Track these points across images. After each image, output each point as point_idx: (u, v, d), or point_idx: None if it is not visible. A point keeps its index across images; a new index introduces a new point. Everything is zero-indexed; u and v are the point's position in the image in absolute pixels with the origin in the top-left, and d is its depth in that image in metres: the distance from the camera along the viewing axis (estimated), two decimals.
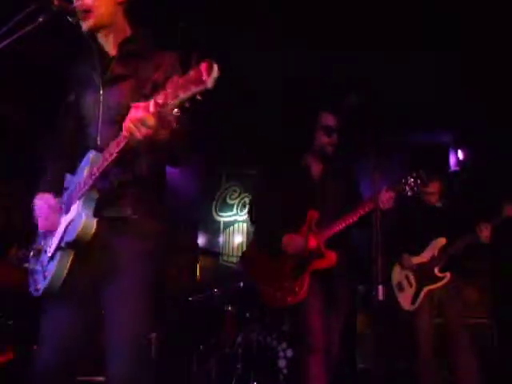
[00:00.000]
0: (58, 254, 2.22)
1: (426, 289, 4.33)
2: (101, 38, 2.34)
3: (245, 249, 7.64)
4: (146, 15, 2.50)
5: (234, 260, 7.51)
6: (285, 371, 4.96)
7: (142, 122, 1.87)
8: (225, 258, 7.80)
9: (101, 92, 2.28)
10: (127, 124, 1.92)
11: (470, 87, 5.67)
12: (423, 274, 4.35)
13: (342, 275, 3.54)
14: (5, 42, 2.04)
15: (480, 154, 5.81)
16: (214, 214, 8.16)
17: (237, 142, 6.93)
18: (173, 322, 6.13)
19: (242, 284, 5.70)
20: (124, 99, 2.22)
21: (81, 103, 2.36)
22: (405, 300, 4.39)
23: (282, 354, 5.03)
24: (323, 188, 3.61)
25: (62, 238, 2.21)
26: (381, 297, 2.73)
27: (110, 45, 2.34)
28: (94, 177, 2.10)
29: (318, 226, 3.49)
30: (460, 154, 6.48)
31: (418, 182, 3.35)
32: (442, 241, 4.34)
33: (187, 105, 1.74)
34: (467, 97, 5.79)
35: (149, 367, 2.21)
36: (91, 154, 2.20)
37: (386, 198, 3.32)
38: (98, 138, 2.27)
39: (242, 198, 8.15)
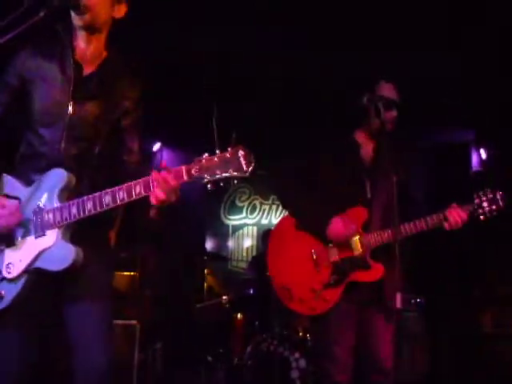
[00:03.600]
0: (24, 278, 2.20)
1: None
2: (81, 42, 2.34)
3: (254, 252, 7.73)
4: None
5: (244, 265, 7.49)
6: (298, 383, 4.75)
7: (176, 188, 2.03)
8: (234, 263, 7.84)
9: (70, 104, 2.29)
10: (161, 188, 2.02)
11: (492, 85, 5.56)
12: None
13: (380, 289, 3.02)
14: (6, 37, 2.01)
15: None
16: (222, 217, 8.20)
17: (244, 140, 6.97)
18: (179, 330, 6.14)
19: (252, 291, 5.64)
20: (93, 119, 2.32)
21: (35, 99, 2.32)
22: None
23: (294, 364, 4.82)
24: (374, 177, 3.12)
25: (31, 263, 2.19)
26: (398, 305, 2.58)
27: (87, 55, 2.36)
28: (87, 213, 2.14)
29: (364, 227, 3.04)
30: (483, 154, 6.28)
31: (494, 207, 2.91)
32: None
33: (222, 184, 1.94)
34: (489, 95, 5.67)
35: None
36: (61, 177, 2.22)
37: (456, 219, 2.89)
38: (62, 151, 2.28)
39: (252, 201, 8.19)
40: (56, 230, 2.17)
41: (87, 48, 2.34)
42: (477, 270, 3.96)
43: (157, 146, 7.31)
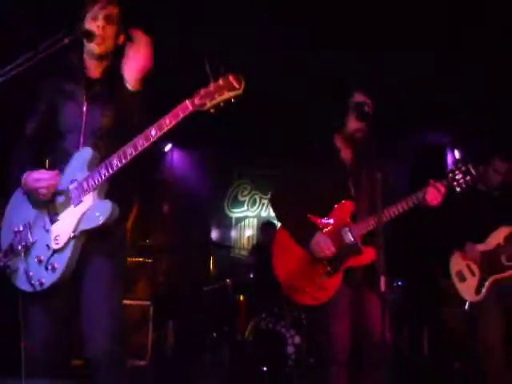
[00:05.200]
0: (72, 243, 2.39)
1: (491, 278, 3.98)
2: (90, 64, 2.63)
3: (255, 241, 8.00)
4: None
5: (245, 253, 7.74)
6: (293, 357, 5.13)
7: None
8: (236, 251, 8.08)
9: (84, 107, 2.57)
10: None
11: (467, 88, 5.76)
12: (488, 263, 4.01)
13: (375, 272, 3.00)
14: (29, 63, 2.22)
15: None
16: (226, 210, 8.47)
17: (249, 142, 7.06)
18: (188, 311, 6.46)
19: (252, 275, 5.94)
20: (105, 117, 2.56)
21: (61, 111, 2.59)
22: (467, 290, 4.04)
23: (290, 340, 5.19)
24: (356, 176, 3.24)
25: (76, 227, 2.38)
26: (383, 288, 2.66)
27: (95, 68, 2.64)
28: (115, 168, 2.34)
29: (352, 218, 3.16)
30: (457, 154, 6.48)
31: (468, 177, 3.03)
32: (506, 229, 4.05)
33: (222, 104, 2.18)
34: (465, 97, 5.89)
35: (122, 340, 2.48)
36: (87, 153, 2.45)
37: (435, 194, 3.02)
38: (81, 144, 2.52)
39: (253, 195, 8.47)
40: (91, 193, 2.39)
41: (96, 70, 2.64)
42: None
43: (168, 147, 7.50)
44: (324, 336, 3.12)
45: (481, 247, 4.06)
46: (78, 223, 2.39)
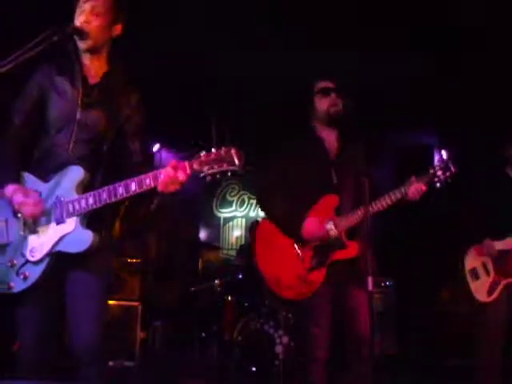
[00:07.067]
0: (47, 259, 2.37)
1: (505, 281, 3.78)
2: (86, 60, 2.59)
3: (243, 241, 8.06)
4: None
5: (233, 253, 7.77)
6: (281, 356, 5.11)
7: (178, 180, 2.26)
8: (225, 251, 8.14)
9: (78, 111, 2.51)
10: (165, 178, 2.27)
11: (455, 89, 5.84)
12: (505, 264, 3.78)
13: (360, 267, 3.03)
14: (19, 60, 2.21)
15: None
16: (214, 210, 8.54)
17: (238, 142, 7.10)
18: (177, 311, 6.48)
19: (240, 275, 5.96)
20: (99, 125, 2.52)
21: (49, 107, 2.53)
22: (480, 290, 3.83)
23: (278, 340, 5.19)
24: (340, 167, 3.28)
25: (53, 246, 2.36)
26: (371, 288, 2.69)
27: (91, 70, 2.59)
28: (103, 203, 2.34)
29: (337, 212, 3.18)
30: (444, 155, 6.49)
31: (447, 173, 3.07)
32: None
33: (218, 176, 2.22)
34: (452, 98, 5.95)
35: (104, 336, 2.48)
36: (78, 174, 2.43)
37: (417, 190, 3.06)
38: (70, 151, 2.48)
39: (241, 195, 8.54)
40: (75, 217, 2.36)
41: (91, 65, 2.58)
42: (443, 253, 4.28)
43: (156, 147, 7.48)
44: (304, 334, 3.18)
45: (498, 245, 3.82)
46: (56, 243, 2.37)
